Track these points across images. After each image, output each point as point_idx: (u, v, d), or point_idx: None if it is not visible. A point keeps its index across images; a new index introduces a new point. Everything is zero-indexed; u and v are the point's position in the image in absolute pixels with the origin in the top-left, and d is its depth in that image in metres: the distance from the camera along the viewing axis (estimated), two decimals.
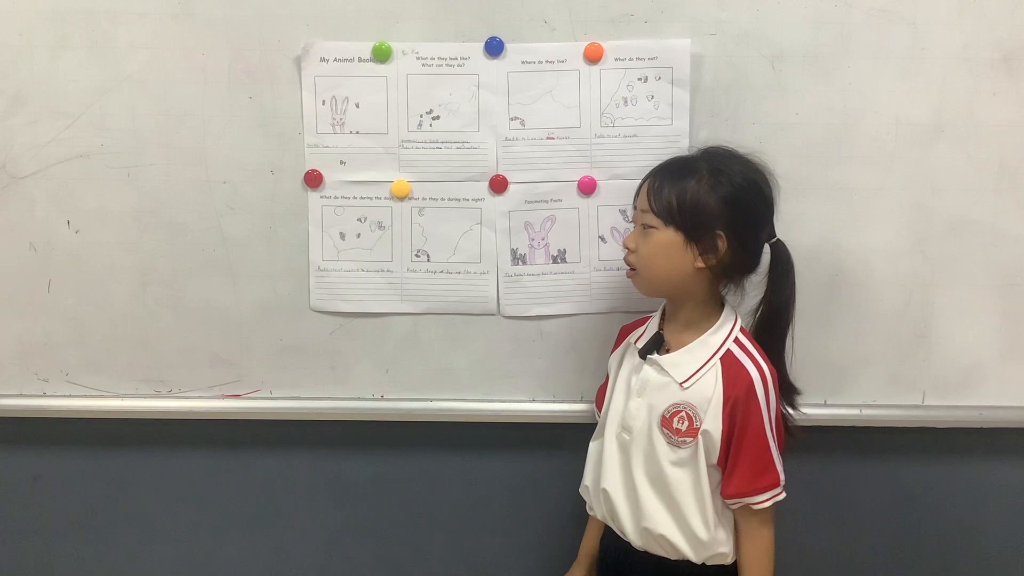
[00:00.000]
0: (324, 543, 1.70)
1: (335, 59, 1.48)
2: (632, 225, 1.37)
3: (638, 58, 1.47)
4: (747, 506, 1.28)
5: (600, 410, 1.45)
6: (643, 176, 1.34)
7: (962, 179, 1.48)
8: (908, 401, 1.55)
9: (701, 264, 1.26)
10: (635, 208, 1.34)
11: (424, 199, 1.52)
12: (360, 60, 1.48)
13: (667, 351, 1.33)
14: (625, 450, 1.34)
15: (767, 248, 1.31)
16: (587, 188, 1.50)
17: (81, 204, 1.52)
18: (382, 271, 1.54)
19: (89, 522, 1.70)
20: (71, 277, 1.55)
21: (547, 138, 1.49)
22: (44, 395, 1.59)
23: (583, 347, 1.56)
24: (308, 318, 1.56)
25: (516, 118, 1.49)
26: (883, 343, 1.52)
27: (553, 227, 1.52)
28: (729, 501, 1.29)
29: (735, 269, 1.29)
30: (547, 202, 1.51)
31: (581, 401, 1.58)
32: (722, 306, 1.33)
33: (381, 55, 1.47)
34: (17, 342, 1.57)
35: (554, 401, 1.58)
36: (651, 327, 1.37)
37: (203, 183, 1.52)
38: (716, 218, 1.25)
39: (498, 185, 1.51)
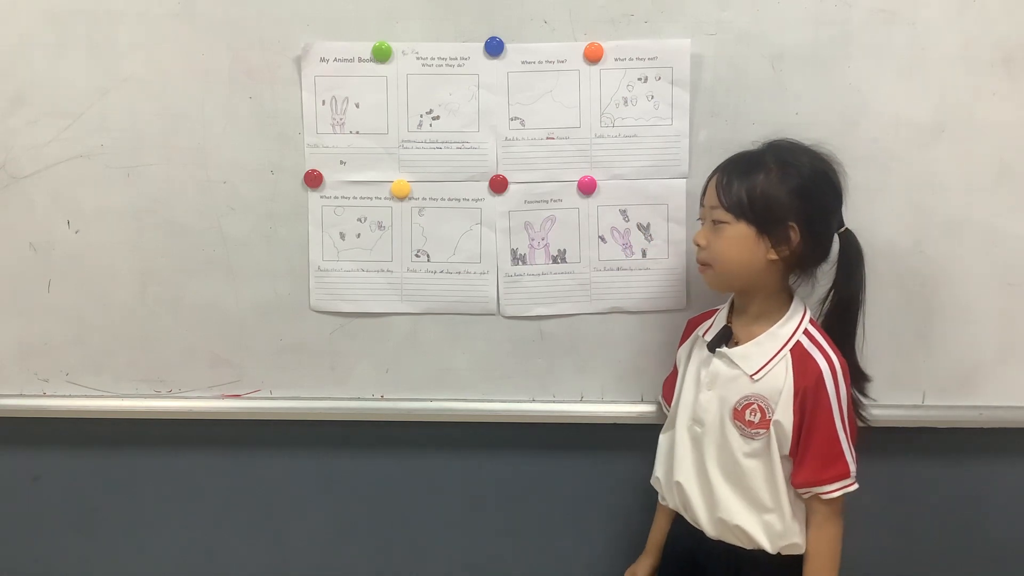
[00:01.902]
0: (324, 543, 1.70)
1: (335, 59, 1.48)
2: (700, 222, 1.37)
3: (638, 58, 1.47)
4: (817, 496, 1.29)
5: (668, 402, 1.46)
6: (710, 173, 1.35)
7: (962, 179, 1.48)
8: (908, 401, 1.55)
9: (774, 256, 1.27)
10: (702, 205, 1.35)
11: (424, 199, 1.52)
12: (360, 60, 1.48)
13: (736, 344, 1.34)
14: (697, 442, 1.35)
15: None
16: (587, 188, 1.50)
17: (81, 204, 1.52)
18: (382, 271, 1.54)
19: (89, 522, 1.70)
20: (71, 277, 1.55)
21: (547, 138, 1.49)
22: (44, 395, 1.59)
23: (583, 347, 1.56)
24: (308, 318, 1.56)
25: (516, 118, 1.49)
26: (883, 343, 1.52)
27: (553, 227, 1.52)
28: (800, 490, 1.30)
29: (807, 260, 1.30)
30: (547, 202, 1.51)
31: (582, 401, 1.58)
32: (791, 298, 1.34)
33: (381, 55, 1.47)
34: (17, 342, 1.57)
35: (554, 401, 1.58)
36: (719, 320, 1.38)
37: (203, 183, 1.52)
38: (788, 210, 1.26)
39: (498, 185, 1.51)
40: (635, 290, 1.53)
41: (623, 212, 1.52)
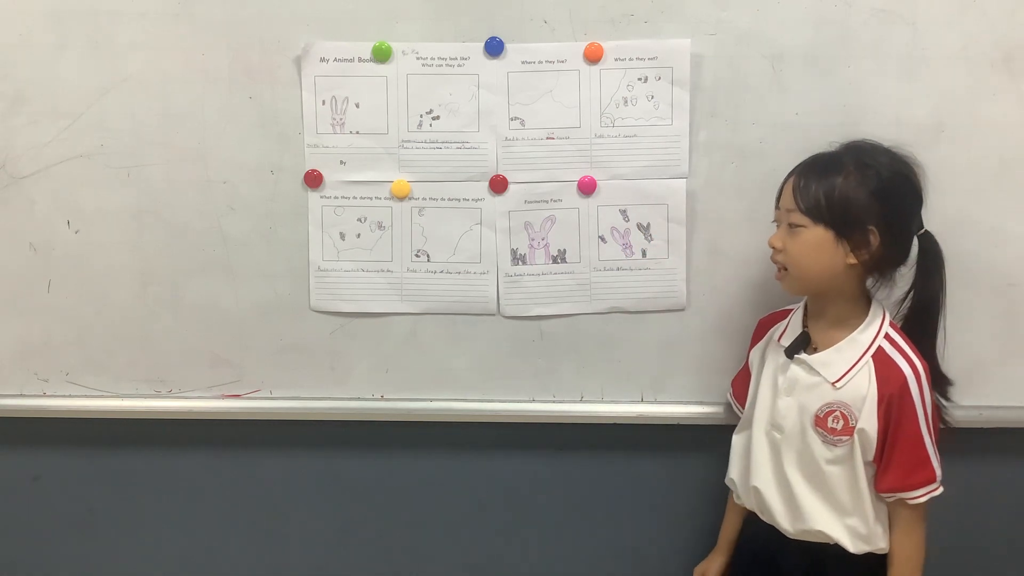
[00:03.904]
0: (324, 543, 1.70)
1: (335, 59, 1.48)
2: (775, 225, 1.35)
3: (638, 58, 1.47)
4: (903, 500, 1.28)
5: (739, 401, 1.46)
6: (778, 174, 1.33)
7: (962, 179, 1.48)
8: None
9: (853, 260, 1.25)
10: (777, 207, 1.33)
11: (424, 199, 1.52)
12: (360, 60, 1.48)
13: (814, 349, 1.32)
14: (776, 448, 1.34)
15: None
16: (587, 188, 1.50)
17: (81, 204, 1.52)
18: (382, 271, 1.54)
19: (89, 522, 1.70)
20: (71, 277, 1.55)
21: (547, 138, 1.49)
22: (44, 395, 1.59)
23: (583, 347, 1.56)
24: (308, 318, 1.56)
25: (516, 118, 1.49)
26: None
27: (553, 227, 1.52)
28: (884, 495, 1.29)
29: (886, 263, 1.28)
30: (547, 202, 1.51)
31: (581, 401, 1.58)
32: (869, 301, 1.32)
33: (381, 55, 1.47)
34: (17, 342, 1.57)
35: (554, 401, 1.58)
36: (794, 324, 1.36)
37: (203, 183, 1.52)
38: (867, 213, 1.24)
39: (498, 185, 1.51)
40: (635, 290, 1.53)
41: (623, 212, 1.51)
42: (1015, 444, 1.60)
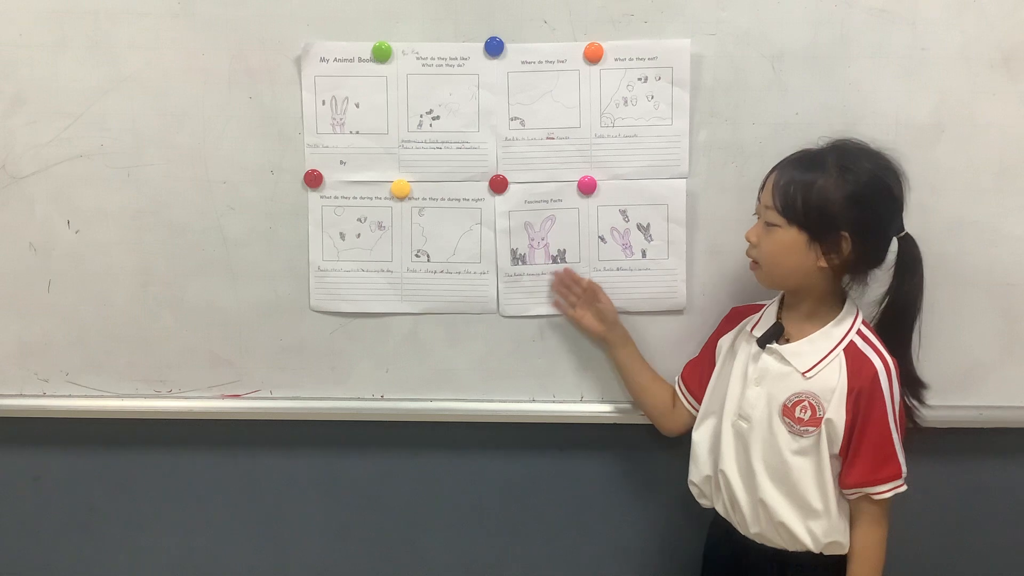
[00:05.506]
0: (324, 543, 1.70)
1: (335, 59, 1.48)
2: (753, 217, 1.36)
3: (638, 58, 1.47)
4: (867, 496, 1.28)
5: (686, 385, 1.47)
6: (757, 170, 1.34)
7: (962, 179, 1.48)
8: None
9: (824, 263, 1.26)
10: (759, 200, 1.33)
11: (424, 199, 1.52)
12: (360, 60, 1.48)
13: (787, 341, 1.33)
14: (742, 439, 1.34)
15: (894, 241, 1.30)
16: (587, 188, 1.50)
17: (81, 204, 1.52)
18: (382, 271, 1.54)
19: (89, 522, 1.70)
20: (71, 277, 1.55)
21: (547, 138, 1.49)
22: (44, 395, 1.59)
23: (583, 347, 1.56)
24: (308, 318, 1.56)
25: (516, 118, 1.49)
26: None
27: (553, 227, 1.52)
28: (848, 491, 1.29)
29: (859, 266, 1.29)
30: (547, 202, 1.51)
31: (581, 401, 1.58)
32: (844, 298, 1.33)
33: (381, 55, 1.47)
34: (17, 342, 1.57)
35: (554, 401, 1.58)
36: (768, 315, 1.37)
37: (203, 183, 1.52)
38: (841, 219, 1.24)
39: (498, 185, 1.51)
40: (634, 290, 1.53)
41: (623, 212, 1.51)
42: (1015, 444, 1.60)
